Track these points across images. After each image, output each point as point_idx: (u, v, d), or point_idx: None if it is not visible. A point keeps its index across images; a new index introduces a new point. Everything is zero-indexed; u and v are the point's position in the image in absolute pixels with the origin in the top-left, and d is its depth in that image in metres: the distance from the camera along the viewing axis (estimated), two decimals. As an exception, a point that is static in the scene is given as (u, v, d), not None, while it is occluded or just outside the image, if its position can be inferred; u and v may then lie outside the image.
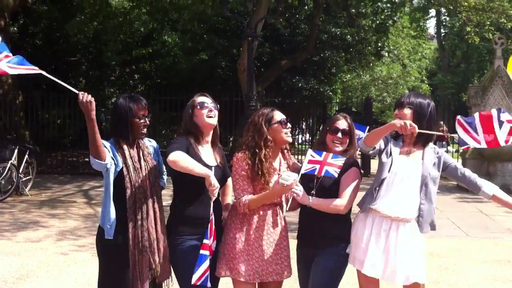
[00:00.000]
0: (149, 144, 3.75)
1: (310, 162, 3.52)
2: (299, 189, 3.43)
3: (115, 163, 3.46)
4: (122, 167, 3.46)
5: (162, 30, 18.52)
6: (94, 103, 3.27)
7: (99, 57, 18.47)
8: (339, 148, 3.66)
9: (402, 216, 3.54)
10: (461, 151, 15.65)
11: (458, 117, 4.01)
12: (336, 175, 3.51)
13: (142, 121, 3.55)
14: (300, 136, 23.51)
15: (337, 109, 19.38)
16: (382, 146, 3.65)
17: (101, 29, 15.83)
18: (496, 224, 9.32)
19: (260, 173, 3.54)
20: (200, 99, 3.69)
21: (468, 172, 3.70)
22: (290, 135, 3.72)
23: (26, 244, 7.35)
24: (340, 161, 3.51)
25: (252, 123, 3.68)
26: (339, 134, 3.67)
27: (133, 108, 3.53)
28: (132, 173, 3.47)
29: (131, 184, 3.46)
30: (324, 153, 3.52)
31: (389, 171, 3.56)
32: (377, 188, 3.57)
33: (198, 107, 3.65)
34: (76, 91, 3.34)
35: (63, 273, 6.13)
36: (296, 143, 21.62)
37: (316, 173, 3.50)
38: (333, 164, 3.50)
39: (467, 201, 11.44)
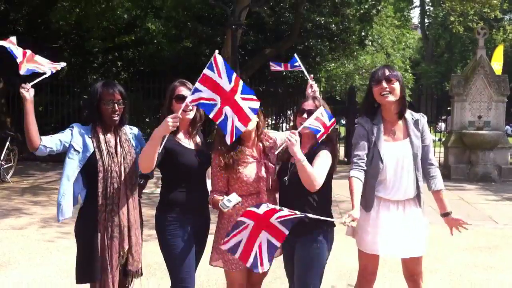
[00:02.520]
0: (130, 131, 3.69)
1: (317, 119, 3.40)
2: (295, 138, 3.27)
3: (74, 149, 3.40)
4: (94, 152, 3.42)
5: (145, 17, 18.33)
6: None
7: (82, 44, 18.22)
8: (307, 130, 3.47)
9: (405, 197, 3.70)
10: (443, 139, 15.79)
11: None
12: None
13: (109, 106, 3.44)
14: (285, 124, 23.56)
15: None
16: (366, 148, 3.61)
17: (83, 15, 15.60)
18: (477, 212, 9.44)
19: (227, 164, 3.51)
20: (178, 90, 3.58)
21: (434, 161, 3.80)
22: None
23: (8, 232, 7.29)
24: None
25: None
26: (305, 115, 3.52)
27: (101, 92, 3.45)
28: (105, 157, 3.43)
29: (104, 168, 3.42)
30: (334, 119, 3.47)
31: (382, 161, 3.58)
32: (379, 182, 3.61)
33: (175, 100, 3.56)
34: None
35: (46, 260, 6.10)
36: (280, 131, 21.59)
37: (317, 136, 3.39)
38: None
39: (449, 189, 11.55)
